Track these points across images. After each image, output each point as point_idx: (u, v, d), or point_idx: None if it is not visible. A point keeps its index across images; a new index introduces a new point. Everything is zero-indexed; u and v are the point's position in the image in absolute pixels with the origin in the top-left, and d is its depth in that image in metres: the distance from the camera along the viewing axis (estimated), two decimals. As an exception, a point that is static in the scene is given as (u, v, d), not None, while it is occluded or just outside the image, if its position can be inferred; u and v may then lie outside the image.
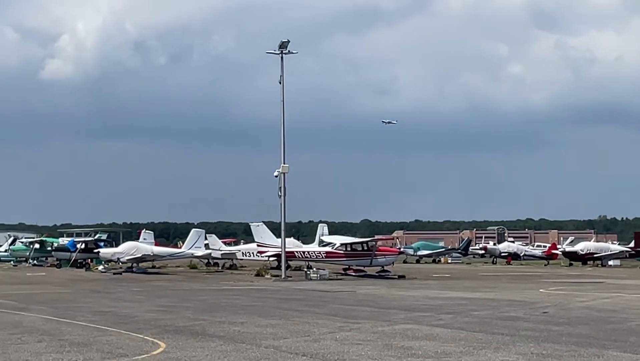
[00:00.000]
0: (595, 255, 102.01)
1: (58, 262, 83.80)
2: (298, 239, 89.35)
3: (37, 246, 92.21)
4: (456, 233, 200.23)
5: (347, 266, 67.43)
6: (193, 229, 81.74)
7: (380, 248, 69.10)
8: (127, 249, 74.94)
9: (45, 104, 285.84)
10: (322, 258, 67.99)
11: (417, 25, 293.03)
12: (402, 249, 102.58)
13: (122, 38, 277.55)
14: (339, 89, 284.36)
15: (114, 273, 69.40)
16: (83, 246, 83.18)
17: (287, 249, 64.23)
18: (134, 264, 73.08)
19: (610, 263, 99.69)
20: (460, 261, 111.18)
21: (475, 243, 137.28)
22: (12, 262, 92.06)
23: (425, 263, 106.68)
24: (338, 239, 72.23)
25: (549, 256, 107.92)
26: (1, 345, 21.92)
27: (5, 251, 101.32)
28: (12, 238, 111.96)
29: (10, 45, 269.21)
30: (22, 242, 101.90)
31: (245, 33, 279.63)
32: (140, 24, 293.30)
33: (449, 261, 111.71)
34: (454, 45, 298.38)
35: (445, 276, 68.61)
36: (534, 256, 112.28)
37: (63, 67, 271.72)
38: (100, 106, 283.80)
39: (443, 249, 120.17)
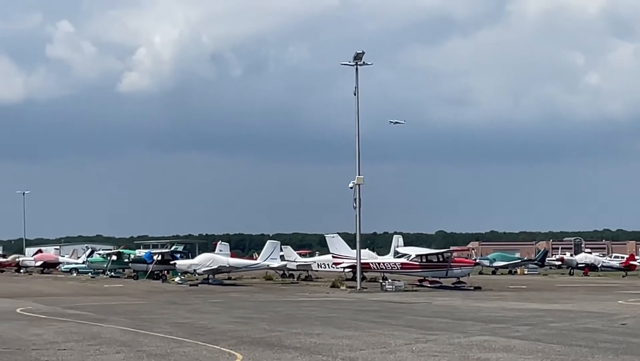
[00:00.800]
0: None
1: (135, 274, 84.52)
2: (373, 251, 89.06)
3: (114, 258, 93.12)
4: (532, 244, 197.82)
5: (423, 278, 67.09)
6: (268, 241, 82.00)
7: (455, 259, 68.72)
8: (203, 260, 75.37)
9: (122, 116, 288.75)
10: (398, 269, 67.76)
11: (492, 35, 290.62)
12: (477, 261, 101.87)
13: (199, 50, 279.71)
14: (414, 99, 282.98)
15: (190, 285, 69.87)
16: (160, 257, 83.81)
17: (362, 261, 64.14)
18: (210, 276, 73.48)
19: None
20: (536, 273, 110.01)
21: (552, 254, 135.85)
22: (90, 274, 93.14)
23: (501, 274, 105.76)
24: (413, 251, 72.00)
25: (627, 267, 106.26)
26: (80, 356, 22.21)
27: (83, 263, 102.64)
28: (89, 250, 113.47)
29: (88, 59, 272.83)
30: (99, 254, 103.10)
31: (321, 44, 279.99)
32: (216, 36, 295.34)
33: (525, 272, 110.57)
34: (529, 55, 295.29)
35: (521, 288, 68.00)
36: (611, 267, 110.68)
37: (140, 79, 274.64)
38: (177, 118, 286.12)
39: (519, 261, 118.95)
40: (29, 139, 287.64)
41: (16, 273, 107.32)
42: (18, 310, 39.33)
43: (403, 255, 71.68)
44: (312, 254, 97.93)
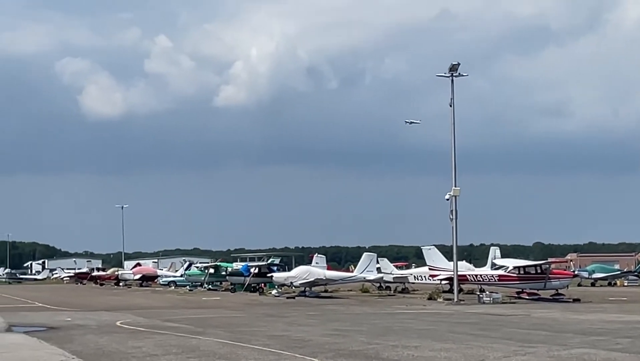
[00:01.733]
0: None
1: (232, 286, 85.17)
2: (470, 263, 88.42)
3: (211, 270, 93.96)
4: (632, 255, 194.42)
5: (520, 290, 66.43)
6: (365, 253, 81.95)
7: (554, 270, 67.91)
8: (299, 273, 75.60)
9: (219, 130, 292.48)
10: (495, 281, 67.16)
11: (589, 45, 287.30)
12: (576, 272, 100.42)
13: (295, 63, 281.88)
14: (510, 110, 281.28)
15: (287, 297, 70.12)
16: (256, 270, 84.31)
17: (459, 273, 63.75)
18: (307, 289, 73.68)
19: None
20: (637, 284, 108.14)
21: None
22: (187, 287, 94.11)
23: (601, 286, 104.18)
24: (510, 263, 71.28)
25: None
26: (180, 368, 22.42)
27: (181, 276, 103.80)
28: (187, 263, 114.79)
29: (186, 73, 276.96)
30: (197, 267, 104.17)
31: (416, 56, 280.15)
32: (312, 49, 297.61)
33: (625, 283, 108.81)
34: (627, 64, 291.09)
35: (621, 300, 66.85)
36: None
37: (236, 93, 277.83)
38: (272, 131, 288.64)
39: (619, 272, 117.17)
40: (128, 153, 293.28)
41: (115, 286, 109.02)
42: (118, 323, 39.90)
43: (500, 267, 71.02)
44: (408, 267, 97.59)
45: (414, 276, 79.08)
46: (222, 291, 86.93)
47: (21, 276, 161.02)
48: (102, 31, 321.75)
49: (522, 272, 66.62)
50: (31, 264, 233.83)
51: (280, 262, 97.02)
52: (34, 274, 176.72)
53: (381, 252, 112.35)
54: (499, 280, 66.88)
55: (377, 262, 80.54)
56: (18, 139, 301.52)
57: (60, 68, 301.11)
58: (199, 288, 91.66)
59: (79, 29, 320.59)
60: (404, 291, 78.66)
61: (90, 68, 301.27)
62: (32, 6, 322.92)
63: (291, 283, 74.62)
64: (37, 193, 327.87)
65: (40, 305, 61.51)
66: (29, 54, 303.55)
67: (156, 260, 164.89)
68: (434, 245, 72.70)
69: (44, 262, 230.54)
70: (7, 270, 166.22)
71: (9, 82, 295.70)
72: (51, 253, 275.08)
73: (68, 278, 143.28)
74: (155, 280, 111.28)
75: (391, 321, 41.02)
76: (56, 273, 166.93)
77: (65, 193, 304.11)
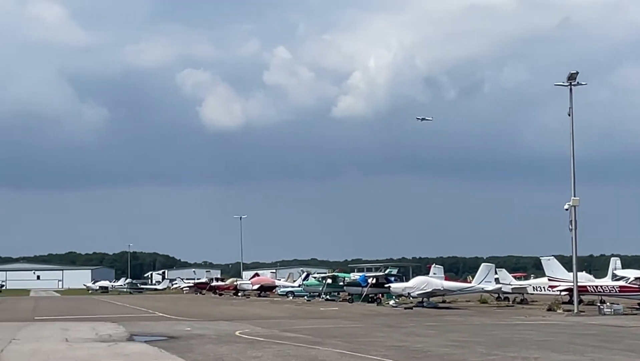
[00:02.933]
0: None
1: (350, 297, 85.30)
2: (590, 273, 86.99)
3: (329, 281, 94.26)
4: None
5: (643, 301, 65.14)
6: (483, 264, 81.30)
7: (678, 281, 66.35)
8: (417, 284, 75.34)
9: (337, 140, 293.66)
10: (616, 292, 65.92)
11: None
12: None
13: (412, 73, 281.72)
14: (629, 120, 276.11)
15: (405, 308, 69.96)
16: (374, 281, 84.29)
17: (579, 284, 62.81)
18: (425, 299, 73.40)
19: None
20: None
21: None
22: (305, 297, 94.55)
23: None
24: (632, 273, 69.85)
25: None
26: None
27: (299, 286, 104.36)
28: (305, 273, 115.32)
29: (305, 84, 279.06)
30: (314, 277, 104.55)
31: (536, 65, 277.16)
32: (430, 58, 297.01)
33: None
34: None
35: None
36: None
37: (355, 103, 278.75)
38: (390, 141, 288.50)
39: None
40: (247, 164, 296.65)
41: (234, 297, 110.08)
42: (237, 333, 40.31)
43: (621, 278, 69.61)
44: (527, 277, 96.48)
45: (533, 287, 78.16)
46: (340, 301, 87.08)
47: (142, 286, 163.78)
48: (223, 43, 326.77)
49: (644, 283, 65.27)
50: (151, 274, 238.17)
51: (397, 272, 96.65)
52: (154, 285, 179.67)
53: (499, 262, 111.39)
54: (619, 291, 65.62)
55: (495, 273, 79.81)
56: (139, 150, 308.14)
57: (181, 80, 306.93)
58: (316, 298, 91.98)
59: (200, 41, 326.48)
60: (523, 302, 77.74)
61: (210, 80, 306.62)
62: (155, 19, 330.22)
63: (409, 293, 74.43)
64: (158, 204, 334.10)
65: (160, 314, 62.54)
66: (151, 66, 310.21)
67: (274, 270, 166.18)
68: (553, 256, 71.79)
69: (164, 272, 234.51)
70: (128, 280, 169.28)
71: (132, 94, 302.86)
72: (171, 263, 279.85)
73: (187, 288, 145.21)
74: (274, 290, 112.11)
75: (510, 332, 40.63)
76: (176, 283, 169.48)
77: (185, 204, 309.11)
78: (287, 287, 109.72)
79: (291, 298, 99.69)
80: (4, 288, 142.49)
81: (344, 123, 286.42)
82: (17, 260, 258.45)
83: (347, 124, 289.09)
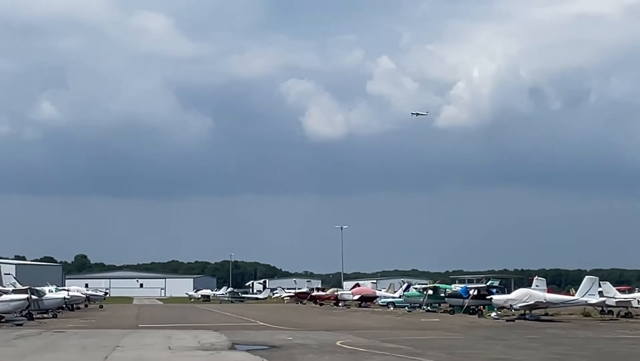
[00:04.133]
0: None
1: (451, 308, 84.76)
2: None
3: (430, 292, 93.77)
4: None
5: None
6: (586, 276, 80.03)
7: None
8: (519, 296, 74.46)
9: (440, 151, 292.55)
10: None
11: None
12: None
13: (516, 84, 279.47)
14: None
15: (507, 320, 69.24)
16: (475, 292, 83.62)
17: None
18: (527, 311, 72.55)
19: None
20: None
21: None
22: (406, 308, 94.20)
23: None
24: None
25: None
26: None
27: (400, 297, 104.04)
28: (406, 284, 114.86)
29: (409, 95, 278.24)
30: (415, 288, 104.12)
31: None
32: (535, 69, 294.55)
33: None
34: None
35: None
36: None
37: (458, 114, 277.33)
38: (493, 152, 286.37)
39: None
40: (348, 174, 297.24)
41: (335, 306, 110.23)
42: (338, 343, 40.37)
43: None
44: (631, 291, 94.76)
45: (638, 301, 76.75)
46: (441, 312, 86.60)
47: (243, 295, 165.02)
48: (326, 53, 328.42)
49: None
50: (253, 283, 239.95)
51: (499, 284, 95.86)
52: (256, 294, 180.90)
53: (603, 275, 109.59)
54: None
55: (599, 285, 78.53)
56: (242, 160, 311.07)
57: (285, 90, 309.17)
58: (417, 309, 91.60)
59: (303, 51, 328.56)
60: (627, 315, 76.35)
61: (313, 90, 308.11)
62: (259, 29, 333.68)
63: (511, 305, 73.60)
64: (259, 213, 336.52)
65: (261, 323, 62.95)
66: (255, 76, 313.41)
67: (375, 281, 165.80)
68: (659, 269, 70.52)
69: (265, 281, 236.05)
70: (230, 289, 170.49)
71: (236, 104, 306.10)
72: (272, 272, 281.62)
73: (288, 298, 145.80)
74: (374, 301, 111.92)
75: (614, 346, 39.97)
76: (277, 293, 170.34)
77: (287, 213, 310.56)
78: (388, 298, 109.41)
79: (392, 308, 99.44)
80: (108, 295, 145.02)
81: (446, 133, 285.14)
82: (120, 268, 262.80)
83: (450, 135, 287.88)
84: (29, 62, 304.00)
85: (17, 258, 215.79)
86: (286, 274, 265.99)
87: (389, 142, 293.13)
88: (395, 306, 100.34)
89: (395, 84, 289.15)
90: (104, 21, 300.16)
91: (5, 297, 61.04)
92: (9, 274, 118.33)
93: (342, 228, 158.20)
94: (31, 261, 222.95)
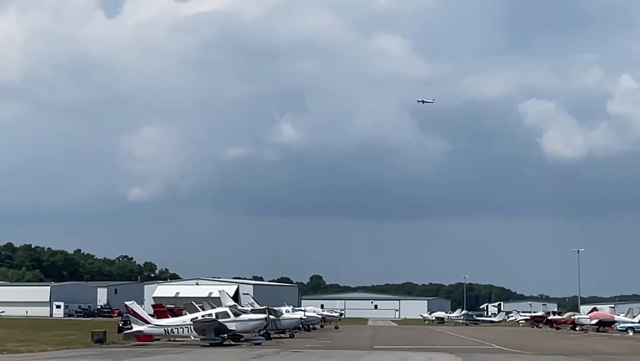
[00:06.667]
0: None
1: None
2: None
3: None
4: None
5: None
6: None
7: None
8: None
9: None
10: None
11: None
12: None
13: None
14: None
15: None
16: None
17: None
18: None
19: None
20: None
21: None
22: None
23: None
24: None
25: None
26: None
27: (639, 322, 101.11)
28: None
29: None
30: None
31: None
32: None
33: None
34: None
35: None
36: None
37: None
38: None
39: None
40: (587, 195, 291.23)
41: (571, 331, 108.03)
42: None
43: None
44: None
45: None
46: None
47: (477, 318, 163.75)
48: (564, 73, 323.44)
49: None
50: (487, 306, 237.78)
51: None
52: (490, 316, 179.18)
53: None
54: None
55: None
56: (478, 182, 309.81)
57: (523, 111, 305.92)
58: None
59: (540, 71, 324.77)
60: None
61: (552, 110, 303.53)
62: (495, 50, 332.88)
63: None
64: (495, 235, 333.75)
65: (497, 346, 62.46)
66: (491, 97, 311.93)
67: (613, 305, 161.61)
68: None
69: (499, 304, 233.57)
70: (464, 311, 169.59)
71: (472, 125, 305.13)
72: (506, 295, 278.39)
73: (524, 321, 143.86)
74: (612, 326, 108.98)
75: None
76: (512, 316, 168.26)
77: (522, 236, 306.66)
78: (627, 322, 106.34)
79: (631, 333, 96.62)
80: (343, 316, 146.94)
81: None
82: (355, 289, 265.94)
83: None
84: (269, 86, 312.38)
85: (255, 278, 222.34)
86: (521, 297, 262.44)
87: (631, 163, 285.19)
88: (635, 332, 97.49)
89: (638, 104, 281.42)
90: (342, 44, 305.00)
91: (244, 317, 62.75)
92: (248, 294, 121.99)
93: (578, 251, 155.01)
94: (268, 281, 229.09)
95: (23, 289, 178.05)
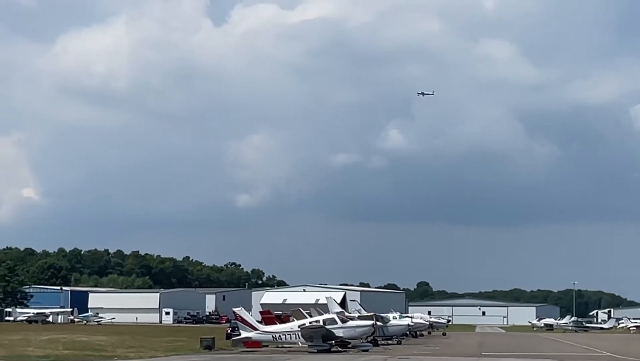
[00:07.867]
0: None
1: None
2: None
3: None
4: None
5: None
6: None
7: None
8: None
9: None
10: None
11: None
12: None
13: None
14: None
15: None
16: None
17: None
18: None
19: None
20: None
21: None
22: None
23: None
24: None
25: None
26: None
27: None
28: None
29: None
30: None
31: None
32: None
33: None
34: None
35: None
36: None
37: None
38: None
39: None
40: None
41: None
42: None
43: None
44: None
45: None
46: None
47: (587, 325, 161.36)
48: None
49: None
50: (597, 312, 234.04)
51: None
52: (600, 323, 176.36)
53: None
54: None
55: None
56: (587, 186, 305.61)
57: (634, 114, 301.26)
58: None
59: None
60: None
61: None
62: (604, 54, 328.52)
63: None
64: (604, 241, 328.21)
65: (607, 354, 61.58)
66: (601, 102, 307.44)
67: None
68: None
69: (609, 311, 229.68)
70: (573, 318, 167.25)
71: (581, 130, 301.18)
72: (617, 302, 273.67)
73: (635, 328, 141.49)
74: None
75: None
76: (622, 323, 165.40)
77: (633, 241, 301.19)
78: None
79: None
80: (450, 322, 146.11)
81: None
82: (462, 296, 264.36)
83: None
84: (376, 92, 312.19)
85: (361, 284, 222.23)
86: (632, 304, 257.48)
87: None
88: None
89: None
90: (450, 49, 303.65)
91: (351, 323, 62.87)
92: (355, 300, 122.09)
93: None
94: (375, 288, 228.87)
95: (133, 296, 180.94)
